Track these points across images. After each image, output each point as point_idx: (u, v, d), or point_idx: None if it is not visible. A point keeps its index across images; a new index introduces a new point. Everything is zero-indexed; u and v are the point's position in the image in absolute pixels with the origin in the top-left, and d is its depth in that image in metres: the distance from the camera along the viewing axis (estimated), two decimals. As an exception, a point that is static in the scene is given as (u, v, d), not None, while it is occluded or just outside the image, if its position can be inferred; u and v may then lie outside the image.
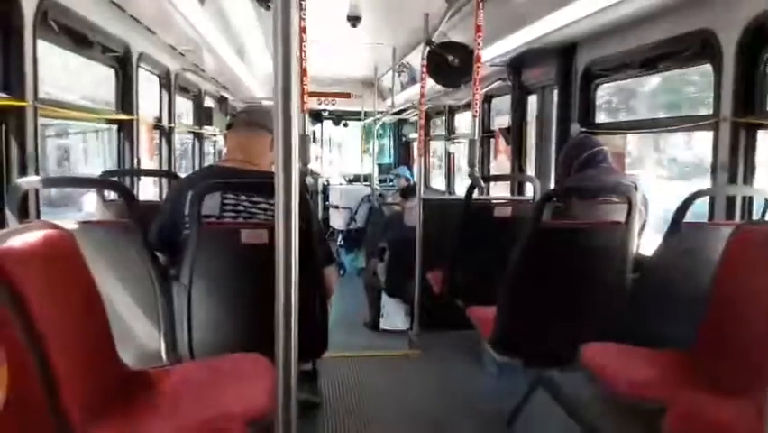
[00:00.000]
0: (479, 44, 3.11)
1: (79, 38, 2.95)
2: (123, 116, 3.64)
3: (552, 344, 2.45)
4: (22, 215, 2.27)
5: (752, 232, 2.12)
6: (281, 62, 1.00)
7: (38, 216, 2.45)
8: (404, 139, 10.82)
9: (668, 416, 1.57)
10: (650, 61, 3.28)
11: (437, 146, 8.74)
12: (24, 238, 1.61)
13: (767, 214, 2.43)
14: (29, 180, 2.13)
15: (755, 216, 2.61)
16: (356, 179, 9.99)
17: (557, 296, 2.44)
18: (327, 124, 10.82)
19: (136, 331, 2.16)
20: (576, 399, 2.23)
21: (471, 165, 3.31)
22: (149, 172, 3.99)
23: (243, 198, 2.25)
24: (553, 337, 2.43)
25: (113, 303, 2.04)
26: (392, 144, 11.24)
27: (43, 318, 1.47)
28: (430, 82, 4.31)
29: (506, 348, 2.56)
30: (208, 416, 1.65)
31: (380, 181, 9.60)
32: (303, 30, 2.93)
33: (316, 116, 10.16)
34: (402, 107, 8.05)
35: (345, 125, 10.68)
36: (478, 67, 3.16)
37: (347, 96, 9.13)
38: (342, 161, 11.54)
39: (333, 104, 9.35)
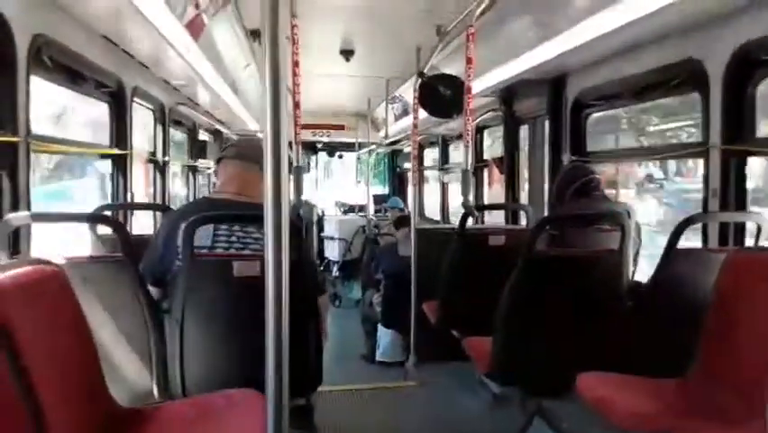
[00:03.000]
0: (469, 76, 3.14)
1: (73, 73, 2.97)
2: (117, 151, 3.65)
3: (548, 373, 2.42)
4: (14, 250, 2.26)
5: (745, 257, 2.12)
6: (270, 95, 1.00)
7: (29, 251, 2.43)
8: (398, 169, 10.87)
9: (667, 447, 1.55)
10: (639, 91, 3.32)
11: (432, 176, 8.77)
12: (13, 274, 1.60)
13: (760, 239, 2.43)
14: (18, 216, 2.12)
15: (748, 242, 2.62)
16: (351, 209, 9.99)
17: (552, 325, 2.42)
18: (322, 155, 10.87)
19: (128, 367, 2.12)
20: (574, 429, 2.19)
21: (465, 194, 3.31)
22: (142, 206, 3.99)
23: (236, 228, 2.24)
24: (549, 367, 2.40)
25: (104, 339, 2.01)
26: (387, 175, 11.29)
27: (30, 355, 1.45)
28: (423, 113, 4.35)
29: (502, 379, 2.53)
30: (200, 454, 1.62)
31: (376, 212, 9.61)
32: (296, 63, 2.97)
33: (311, 148, 10.21)
34: (396, 138, 8.11)
35: (340, 157, 10.73)
36: (469, 98, 3.19)
37: (341, 127, 9.20)
38: (337, 191, 11.55)
39: (328, 135, 9.41)
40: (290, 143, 3.16)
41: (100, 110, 3.65)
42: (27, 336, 1.47)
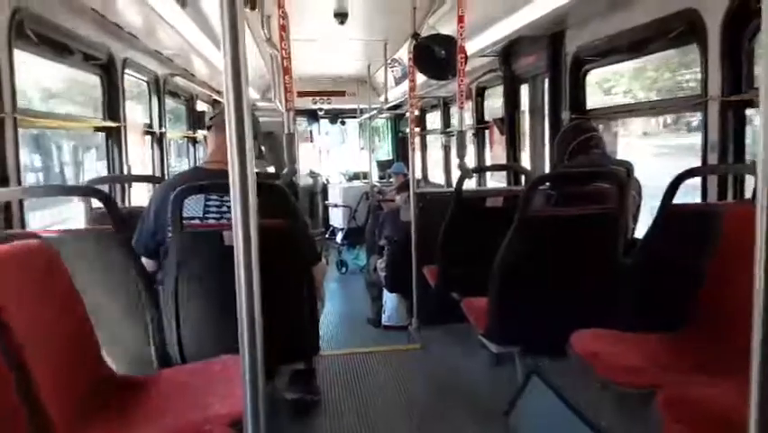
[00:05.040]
0: (462, 36, 3.08)
1: (60, 47, 2.94)
2: (110, 123, 3.63)
3: (545, 332, 2.42)
4: (6, 225, 2.27)
5: (743, 212, 2.09)
6: (230, 47, 0.98)
7: (22, 224, 2.44)
8: (401, 134, 10.78)
9: (658, 399, 1.55)
10: (637, 44, 3.25)
11: (436, 139, 8.70)
12: (4, 249, 1.61)
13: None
14: (9, 191, 2.13)
15: (747, 196, 2.58)
16: (355, 176, 9.96)
17: (548, 284, 2.41)
18: (324, 122, 10.79)
19: (126, 338, 2.15)
20: (570, 386, 2.20)
21: (460, 157, 3.28)
22: (137, 178, 3.99)
23: (227, 198, 2.23)
24: (546, 325, 2.40)
25: (100, 311, 2.03)
26: (390, 140, 11.21)
27: (22, 329, 1.47)
28: (422, 76, 4.29)
29: (500, 338, 2.54)
30: (193, 418, 1.65)
31: (380, 178, 9.57)
32: (283, 28, 2.91)
33: (312, 115, 10.13)
34: (397, 102, 8.02)
35: (342, 123, 10.65)
36: (462, 58, 3.13)
37: (342, 93, 9.09)
38: (341, 158, 11.50)
39: (329, 102, 9.32)
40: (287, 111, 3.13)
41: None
42: (17, 310, 1.48)
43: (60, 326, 1.73)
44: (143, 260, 2.20)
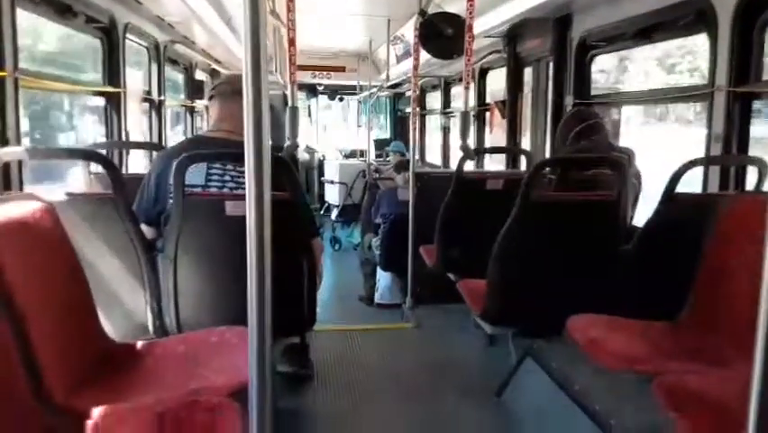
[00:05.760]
0: (471, 14, 3.04)
1: (62, 7, 2.89)
2: (110, 89, 3.58)
3: (540, 315, 2.44)
4: (5, 187, 2.24)
5: (745, 202, 2.10)
6: (250, 19, 0.96)
7: (21, 187, 2.41)
8: (400, 113, 10.72)
9: (654, 387, 1.56)
10: (645, 31, 3.22)
11: (434, 121, 8.66)
12: (4, 210, 1.58)
13: (762, 183, 2.39)
14: (9, 151, 2.10)
15: (749, 187, 2.59)
16: (352, 154, 9.91)
17: (547, 268, 2.42)
18: (323, 98, 10.71)
19: (123, 305, 2.14)
20: (564, 369, 2.22)
21: (463, 138, 3.27)
22: (136, 145, 3.94)
23: (230, 167, 2.21)
24: (543, 309, 2.42)
25: (98, 277, 2.02)
26: (389, 118, 11.15)
27: (22, 291, 1.46)
28: (425, 55, 4.24)
29: (496, 319, 2.56)
30: (191, 387, 1.64)
31: (377, 156, 9.53)
32: (290, -1, 2.87)
33: (311, 90, 10.04)
34: (398, 81, 7.95)
35: (341, 99, 10.57)
36: (470, 37, 3.10)
37: (342, 69, 9.00)
38: (337, 135, 11.44)
39: (329, 78, 9.23)
40: (286, 84, 3.10)
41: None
42: (17, 271, 1.47)
43: (61, 289, 1.72)
44: (143, 227, 2.19)
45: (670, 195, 2.32)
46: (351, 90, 9.40)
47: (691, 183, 2.59)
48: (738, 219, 2.02)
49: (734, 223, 2.03)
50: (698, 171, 2.65)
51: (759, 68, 2.52)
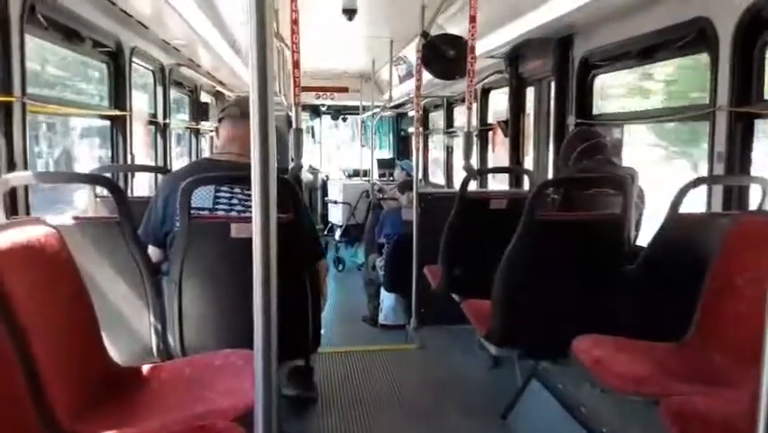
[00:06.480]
0: (473, 36, 3.08)
1: (69, 33, 2.93)
2: (116, 112, 3.62)
3: (546, 336, 2.43)
4: (12, 211, 2.26)
5: (749, 222, 2.10)
6: (257, 44, 0.97)
7: (27, 211, 2.43)
8: (403, 133, 10.78)
9: (661, 410, 1.55)
10: (647, 51, 3.25)
11: (437, 140, 8.70)
12: (10, 234, 1.60)
13: (765, 203, 2.39)
14: (18, 176, 2.12)
15: (752, 207, 2.59)
16: (355, 174, 9.95)
17: (552, 288, 2.41)
18: (326, 118, 10.78)
19: (127, 328, 2.14)
20: (570, 391, 2.21)
21: (466, 158, 3.28)
22: (142, 168, 3.97)
23: (238, 190, 2.22)
24: (547, 330, 2.41)
25: (103, 300, 2.02)
26: (391, 138, 11.21)
27: (28, 315, 1.46)
28: (427, 75, 4.28)
29: (501, 341, 2.54)
30: (196, 411, 1.64)
31: (380, 176, 9.56)
32: (295, 21, 2.90)
33: (314, 111, 10.11)
34: (400, 101, 8.01)
35: (344, 120, 10.64)
36: (472, 59, 3.13)
37: (345, 90, 9.07)
38: (341, 155, 11.51)
39: (332, 98, 9.30)
40: (290, 105, 3.13)
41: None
42: (23, 296, 1.47)
43: (66, 313, 1.72)
44: (150, 249, 2.20)
45: (673, 214, 2.32)
46: (354, 110, 9.46)
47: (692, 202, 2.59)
48: (743, 238, 2.02)
49: (739, 242, 2.03)
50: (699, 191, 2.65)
51: (760, 87, 2.54)
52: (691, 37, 2.83)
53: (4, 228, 1.60)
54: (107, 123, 3.76)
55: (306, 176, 8.87)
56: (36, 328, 1.48)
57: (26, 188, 2.43)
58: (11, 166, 2.32)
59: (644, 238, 2.99)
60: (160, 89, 4.66)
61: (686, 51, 3.03)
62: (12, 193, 2.27)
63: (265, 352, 1.05)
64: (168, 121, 4.77)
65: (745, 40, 2.51)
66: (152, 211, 2.27)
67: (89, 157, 4.48)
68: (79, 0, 2.94)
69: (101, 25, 3.25)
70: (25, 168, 2.41)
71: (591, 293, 2.40)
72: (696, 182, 2.40)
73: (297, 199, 2.22)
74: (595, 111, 3.93)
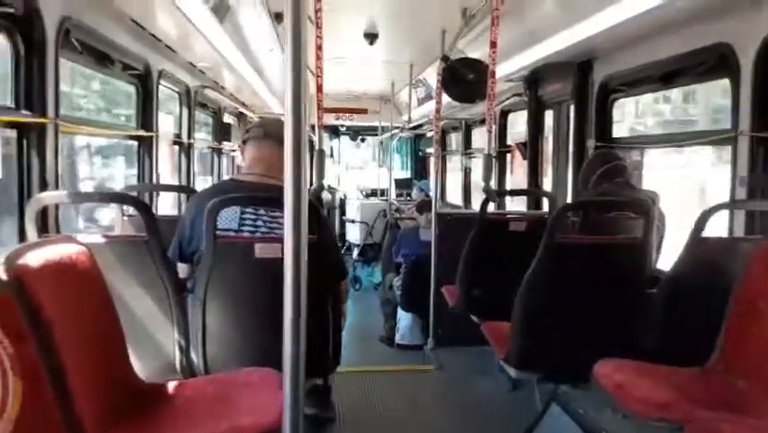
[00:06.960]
0: (494, 60, 3.11)
1: (101, 56, 3.02)
2: (143, 133, 3.70)
3: (567, 360, 2.42)
4: (42, 229, 2.32)
5: (772, 247, 2.08)
6: (292, 77, 1.01)
7: (57, 230, 2.49)
8: (420, 154, 10.84)
9: (685, 435, 1.54)
10: (667, 76, 3.26)
11: (454, 161, 8.73)
12: (42, 252, 1.64)
13: None
14: (50, 195, 2.18)
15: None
16: (373, 193, 10.01)
17: (572, 311, 2.41)
18: (345, 139, 10.89)
19: (152, 345, 2.17)
20: (591, 416, 2.19)
21: (486, 180, 3.31)
22: (168, 188, 4.05)
23: (263, 212, 2.25)
24: (568, 353, 2.40)
25: (130, 317, 2.06)
26: (409, 159, 11.27)
27: (58, 331, 1.50)
28: (446, 98, 4.32)
29: (520, 364, 2.54)
30: (219, 429, 1.66)
31: (398, 196, 9.61)
32: (319, 47, 2.97)
33: (334, 132, 10.22)
34: (418, 122, 8.07)
35: (363, 140, 10.74)
36: (492, 82, 3.16)
37: (364, 111, 9.17)
38: (360, 175, 11.59)
39: (351, 119, 9.41)
40: (312, 127, 3.18)
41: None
42: (54, 312, 1.51)
43: (94, 328, 1.76)
44: (179, 265, 2.24)
45: (696, 239, 2.31)
46: (372, 131, 9.55)
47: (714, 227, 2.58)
48: (767, 263, 2.01)
49: (762, 267, 2.02)
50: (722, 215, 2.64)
51: (782, 112, 2.54)
52: (712, 62, 2.84)
53: (37, 246, 1.64)
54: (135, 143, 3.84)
55: (324, 195, 8.92)
56: (65, 343, 1.51)
57: (57, 206, 2.49)
58: (43, 185, 2.39)
59: (664, 262, 2.98)
60: (185, 110, 4.76)
61: (706, 76, 3.03)
62: (43, 211, 2.33)
63: (293, 370, 1.08)
64: (192, 141, 4.87)
65: (766, 65, 2.52)
66: (181, 229, 2.32)
67: (122, 176, 4.61)
68: (112, 25, 3.03)
69: (131, 49, 3.34)
70: (56, 187, 2.48)
71: (612, 317, 2.40)
72: (717, 207, 2.40)
73: (322, 221, 2.26)
74: (615, 134, 3.93)
